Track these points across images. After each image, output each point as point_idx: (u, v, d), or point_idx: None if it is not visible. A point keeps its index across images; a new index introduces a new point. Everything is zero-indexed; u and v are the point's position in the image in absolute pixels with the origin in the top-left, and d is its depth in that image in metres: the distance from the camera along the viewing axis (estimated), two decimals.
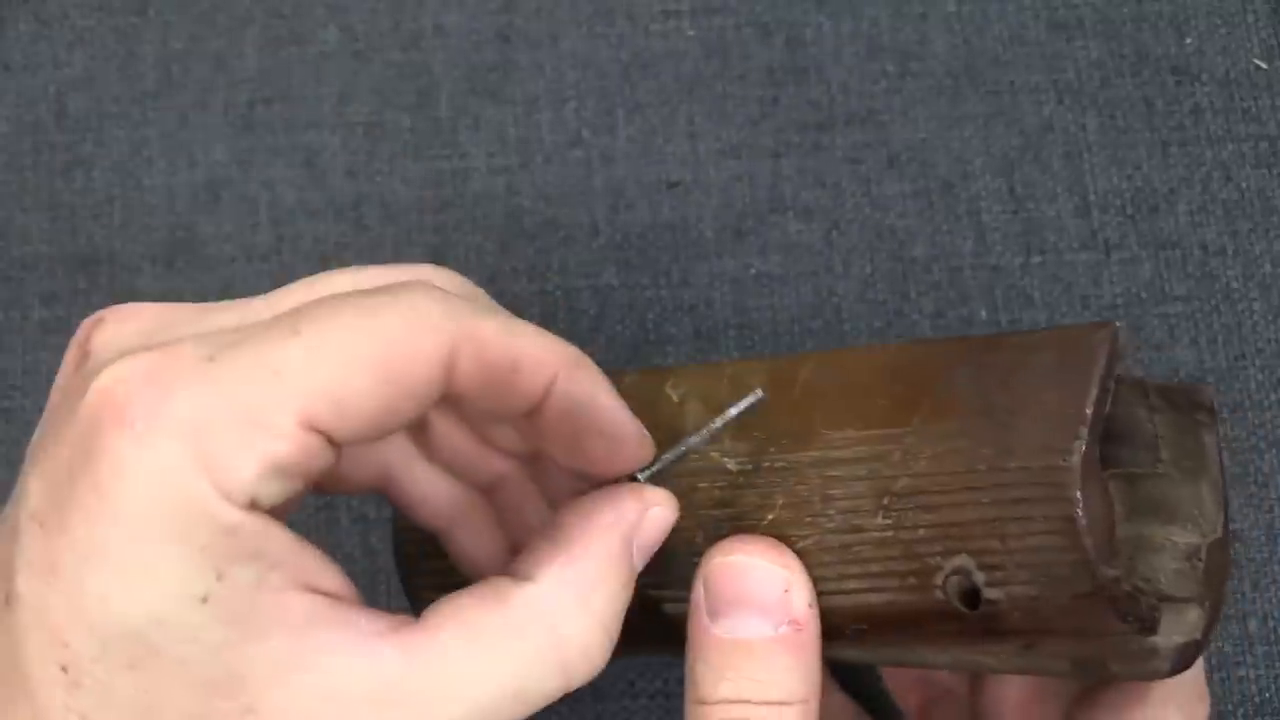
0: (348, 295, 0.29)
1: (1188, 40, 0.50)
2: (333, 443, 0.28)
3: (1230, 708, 0.44)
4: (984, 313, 0.48)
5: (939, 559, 0.32)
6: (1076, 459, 0.31)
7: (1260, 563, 0.46)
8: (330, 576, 0.29)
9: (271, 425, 0.27)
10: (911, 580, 0.32)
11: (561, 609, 0.30)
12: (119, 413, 0.27)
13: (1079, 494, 0.31)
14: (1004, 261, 0.48)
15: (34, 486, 0.28)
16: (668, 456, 0.34)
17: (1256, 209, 0.49)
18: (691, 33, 0.50)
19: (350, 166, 0.49)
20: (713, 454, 0.35)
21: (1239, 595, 0.45)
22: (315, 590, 0.29)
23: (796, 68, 0.50)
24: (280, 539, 0.28)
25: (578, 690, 0.31)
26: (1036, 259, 0.48)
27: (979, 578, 0.32)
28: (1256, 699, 0.45)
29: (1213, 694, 0.44)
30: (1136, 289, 0.48)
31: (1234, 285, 0.48)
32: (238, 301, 0.31)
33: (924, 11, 0.51)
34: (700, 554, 0.34)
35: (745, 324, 0.48)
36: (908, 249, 0.48)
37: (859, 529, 0.33)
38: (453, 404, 0.31)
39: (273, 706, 0.28)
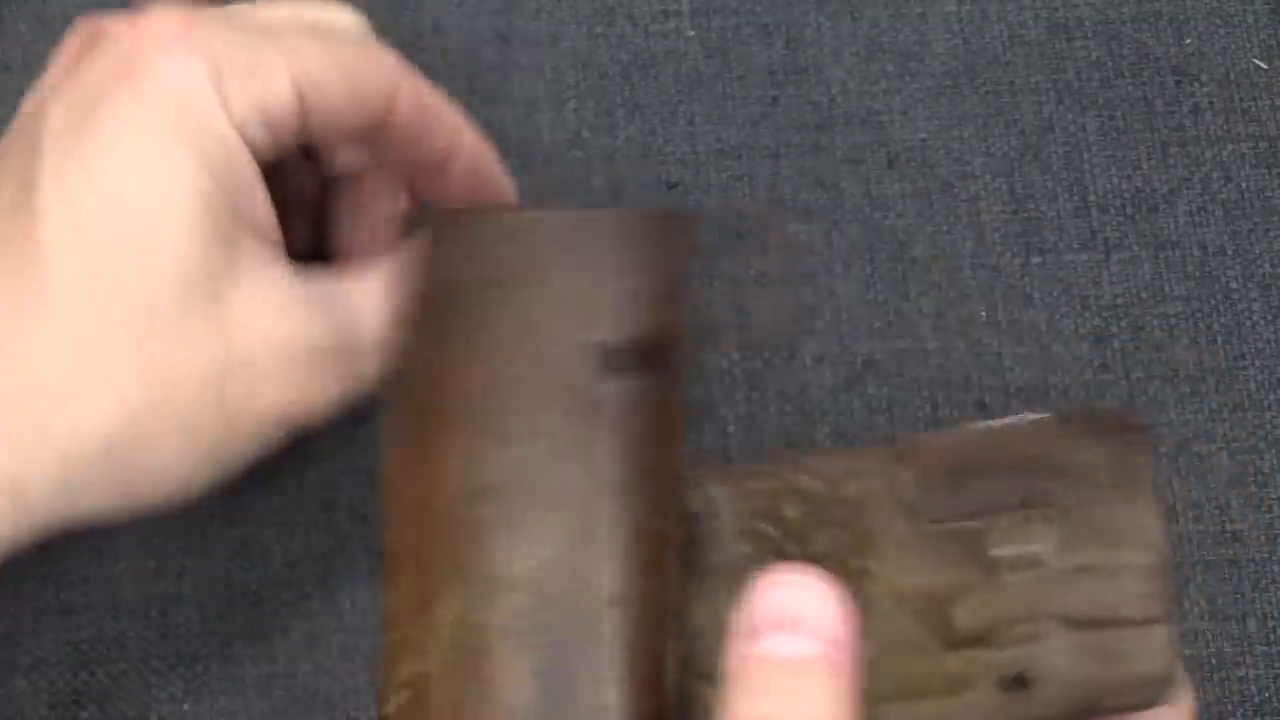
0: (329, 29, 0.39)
1: (1188, 40, 0.50)
2: (302, 126, 0.36)
3: (1230, 708, 0.44)
4: (984, 312, 0.48)
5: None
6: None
7: (1260, 562, 0.46)
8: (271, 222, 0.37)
9: (271, 77, 0.35)
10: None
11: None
12: (157, 38, 0.35)
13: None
14: (1004, 261, 0.48)
15: (56, 111, 0.35)
16: None
17: (1256, 209, 0.49)
18: (691, 33, 0.50)
19: None
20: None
21: (1239, 595, 0.45)
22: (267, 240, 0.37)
23: (796, 68, 0.50)
24: (255, 171, 0.36)
25: None
26: (1036, 259, 0.48)
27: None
28: (1256, 699, 0.45)
29: (1213, 694, 0.44)
30: (1136, 289, 0.48)
31: (1234, 285, 0.48)
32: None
33: (924, 11, 0.51)
34: None
35: (745, 324, 0.48)
36: (908, 249, 0.48)
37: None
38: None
39: (238, 303, 0.35)
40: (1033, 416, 0.34)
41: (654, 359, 0.33)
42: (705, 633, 0.34)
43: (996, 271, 0.48)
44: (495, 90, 0.50)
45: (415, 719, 0.31)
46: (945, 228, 0.49)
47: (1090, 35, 0.50)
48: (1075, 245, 0.48)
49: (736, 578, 0.33)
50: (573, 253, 0.32)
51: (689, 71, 0.50)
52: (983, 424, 0.34)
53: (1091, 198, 0.49)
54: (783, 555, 0.33)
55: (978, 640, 0.33)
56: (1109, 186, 0.49)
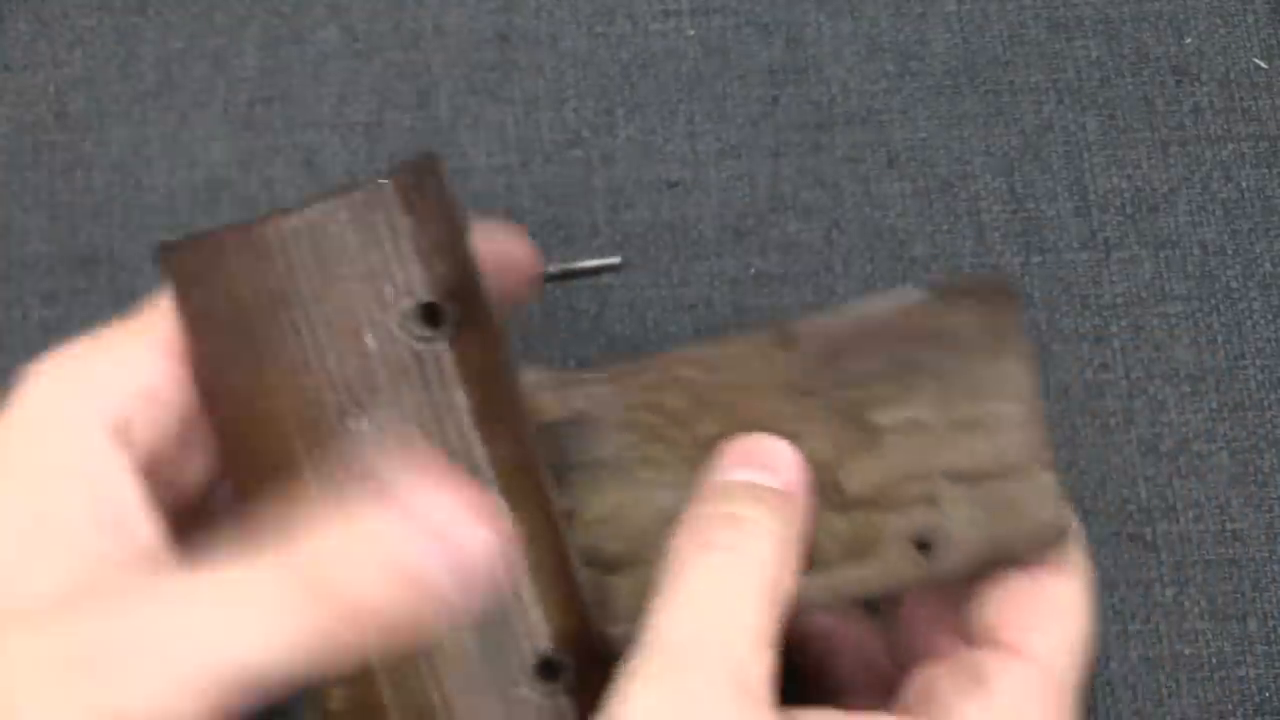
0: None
1: (1188, 40, 0.50)
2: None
3: (1230, 708, 0.44)
4: None
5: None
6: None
7: (1260, 562, 0.46)
8: None
9: None
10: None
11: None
12: None
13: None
14: (1004, 261, 0.48)
15: None
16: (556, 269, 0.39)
17: (1256, 209, 0.49)
18: (691, 33, 0.50)
19: (350, 166, 0.49)
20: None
21: (1239, 595, 0.45)
22: None
23: (796, 68, 0.50)
24: None
25: None
26: (1036, 259, 0.48)
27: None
28: (1256, 699, 0.45)
29: (1213, 694, 0.44)
30: (1136, 288, 0.48)
31: (1234, 285, 0.48)
32: None
33: (924, 11, 0.51)
34: None
35: (745, 324, 0.48)
36: (908, 249, 0.48)
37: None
38: None
39: None
40: (910, 289, 0.35)
41: (468, 299, 0.34)
42: (599, 523, 0.34)
43: (996, 271, 0.48)
44: (495, 90, 0.50)
45: (363, 708, 0.32)
46: (945, 227, 0.49)
47: (1090, 34, 0.50)
48: (1075, 245, 0.48)
49: (624, 468, 0.34)
50: (352, 237, 0.32)
51: (689, 71, 0.50)
52: (860, 301, 0.35)
53: (1091, 197, 0.49)
54: (665, 440, 0.35)
55: (869, 503, 0.34)
56: (1109, 186, 0.49)
